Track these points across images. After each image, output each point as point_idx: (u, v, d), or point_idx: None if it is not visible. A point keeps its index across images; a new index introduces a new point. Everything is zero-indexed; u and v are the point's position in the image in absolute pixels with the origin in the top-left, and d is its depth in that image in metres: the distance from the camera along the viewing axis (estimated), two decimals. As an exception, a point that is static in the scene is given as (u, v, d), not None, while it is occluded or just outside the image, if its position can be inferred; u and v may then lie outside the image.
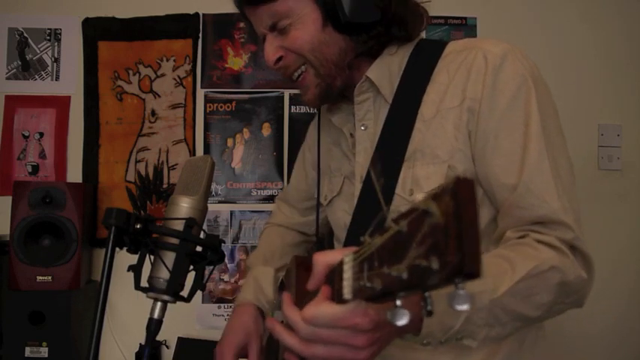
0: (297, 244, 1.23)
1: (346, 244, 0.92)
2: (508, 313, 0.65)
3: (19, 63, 1.97)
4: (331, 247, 1.11)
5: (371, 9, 0.82)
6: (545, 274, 0.67)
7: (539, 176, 0.73)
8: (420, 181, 0.80)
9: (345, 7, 0.81)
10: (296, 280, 0.89)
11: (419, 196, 0.35)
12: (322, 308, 0.53)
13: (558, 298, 0.70)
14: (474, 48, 0.81)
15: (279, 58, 0.88)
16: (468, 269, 0.30)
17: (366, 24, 0.83)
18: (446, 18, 2.01)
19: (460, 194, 0.31)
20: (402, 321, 0.39)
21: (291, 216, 1.24)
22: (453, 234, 0.31)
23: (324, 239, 1.18)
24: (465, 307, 0.33)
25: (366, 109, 0.90)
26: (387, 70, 0.88)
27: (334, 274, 0.52)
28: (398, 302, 0.39)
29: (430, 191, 0.34)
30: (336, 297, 0.50)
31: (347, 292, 0.47)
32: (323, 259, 0.56)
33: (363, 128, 0.90)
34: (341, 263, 0.49)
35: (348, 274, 0.47)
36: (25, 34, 1.98)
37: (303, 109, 1.99)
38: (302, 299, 0.63)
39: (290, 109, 2.00)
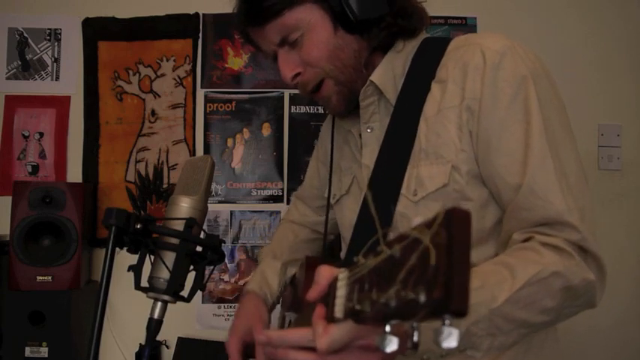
0: (310, 241, 1.23)
1: (351, 245, 0.91)
2: (510, 321, 0.64)
3: (19, 63, 1.97)
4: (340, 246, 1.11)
5: (378, 2, 0.82)
6: (547, 280, 0.65)
7: (543, 176, 0.71)
8: (423, 180, 0.79)
9: (354, 6, 0.80)
10: (304, 283, 0.89)
11: (415, 220, 0.34)
12: (332, 333, 0.50)
13: (565, 302, 0.68)
14: (473, 44, 0.80)
15: (297, 74, 0.86)
16: (454, 308, 0.29)
17: (375, 18, 0.83)
18: (446, 18, 2.01)
19: (454, 226, 0.30)
20: (390, 348, 0.38)
21: (305, 214, 1.24)
22: (442, 269, 0.29)
23: (334, 240, 1.19)
24: (452, 344, 0.31)
25: (372, 112, 0.89)
26: (391, 73, 0.87)
27: (330, 290, 0.52)
28: (387, 328, 0.38)
29: (425, 220, 0.33)
30: (329, 314, 0.50)
31: (338, 311, 0.46)
32: (327, 271, 0.55)
33: (369, 130, 0.90)
34: (336, 280, 0.49)
35: (341, 292, 0.46)
36: (25, 34, 1.98)
37: (303, 109, 1.99)
38: (307, 303, 0.63)
39: (290, 109, 2.00)
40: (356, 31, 0.83)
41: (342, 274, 0.47)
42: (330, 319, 0.49)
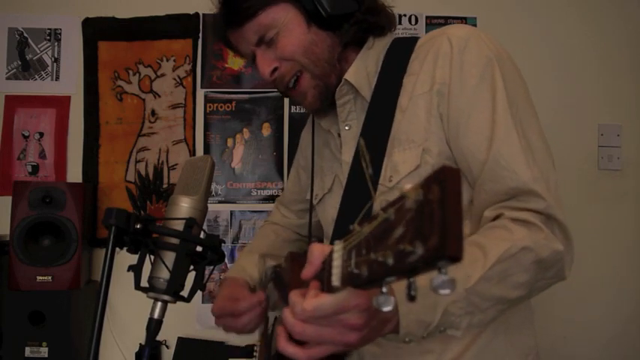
0: (292, 241, 1.25)
1: (333, 237, 0.93)
2: (487, 299, 0.66)
3: (19, 63, 1.97)
4: None
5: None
6: (517, 255, 0.68)
7: (508, 149, 0.75)
8: (397, 166, 0.83)
9: (325, 3, 0.86)
10: (290, 276, 0.89)
11: (406, 186, 0.35)
12: (322, 299, 0.54)
13: (537, 275, 0.71)
14: (439, 35, 0.85)
15: (275, 69, 0.90)
16: (450, 252, 0.30)
17: (346, 14, 0.88)
18: (446, 18, 2.01)
19: (446, 182, 0.32)
20: (387, 307, 0.40)
21: (287, 217, 1.27)
22: (437, 220, 0.31)
23: (318, 241, 1.19)
24: (447, 291, 0.33)
25: (348, 110, 0.93)
26: (364, 71, 0.91)
27: (325, 264, 0.53)
28: (384, 289, 0.39)
29: (417, 182, 0.34)
30: (326, 285, 0.51)
31: (335, 279, 0.47)
32: (319, 248, 0.58)
33: (347, 128, 0.94)
34: (331, 252, 0.50)
35: (337, 262, 0.47)
36: (25, 34, 1.98)
37: (303, 109, 1.99)
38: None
39: (290, 109, 2.00)
40: (328, 27, 0.88)
41: (338, 246, 0.48)
42: (328, 289, 0.50)
